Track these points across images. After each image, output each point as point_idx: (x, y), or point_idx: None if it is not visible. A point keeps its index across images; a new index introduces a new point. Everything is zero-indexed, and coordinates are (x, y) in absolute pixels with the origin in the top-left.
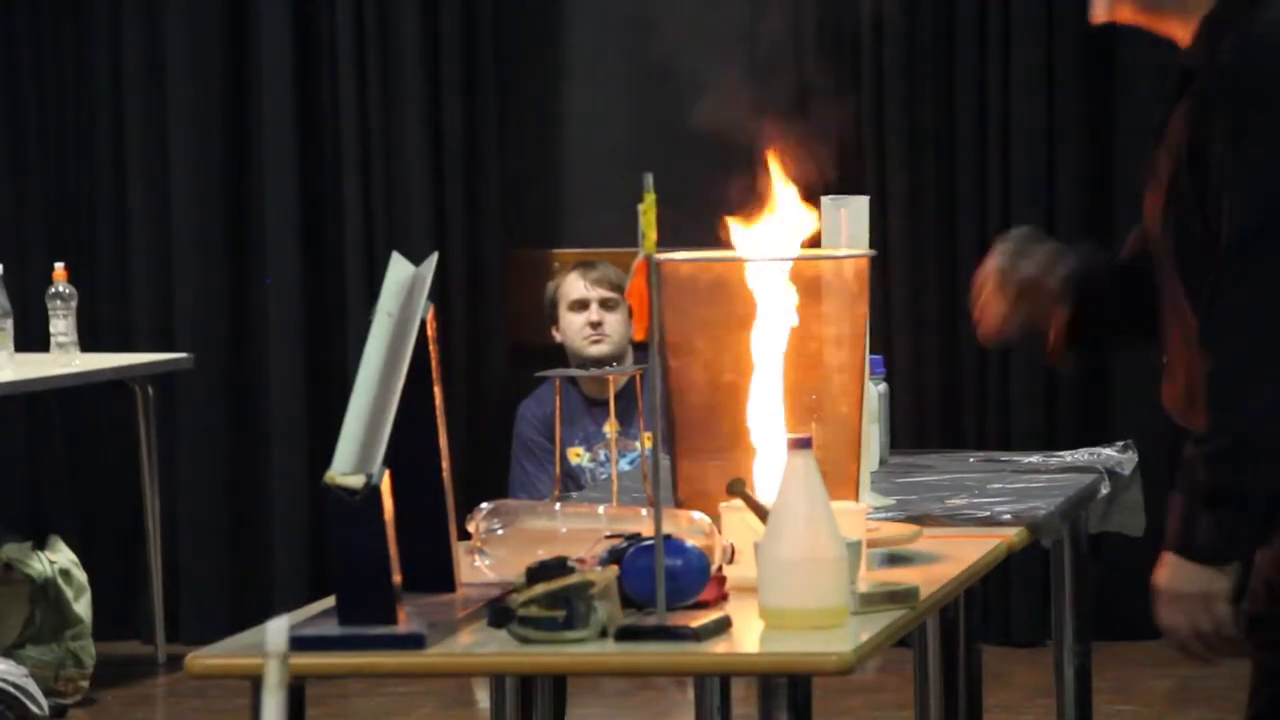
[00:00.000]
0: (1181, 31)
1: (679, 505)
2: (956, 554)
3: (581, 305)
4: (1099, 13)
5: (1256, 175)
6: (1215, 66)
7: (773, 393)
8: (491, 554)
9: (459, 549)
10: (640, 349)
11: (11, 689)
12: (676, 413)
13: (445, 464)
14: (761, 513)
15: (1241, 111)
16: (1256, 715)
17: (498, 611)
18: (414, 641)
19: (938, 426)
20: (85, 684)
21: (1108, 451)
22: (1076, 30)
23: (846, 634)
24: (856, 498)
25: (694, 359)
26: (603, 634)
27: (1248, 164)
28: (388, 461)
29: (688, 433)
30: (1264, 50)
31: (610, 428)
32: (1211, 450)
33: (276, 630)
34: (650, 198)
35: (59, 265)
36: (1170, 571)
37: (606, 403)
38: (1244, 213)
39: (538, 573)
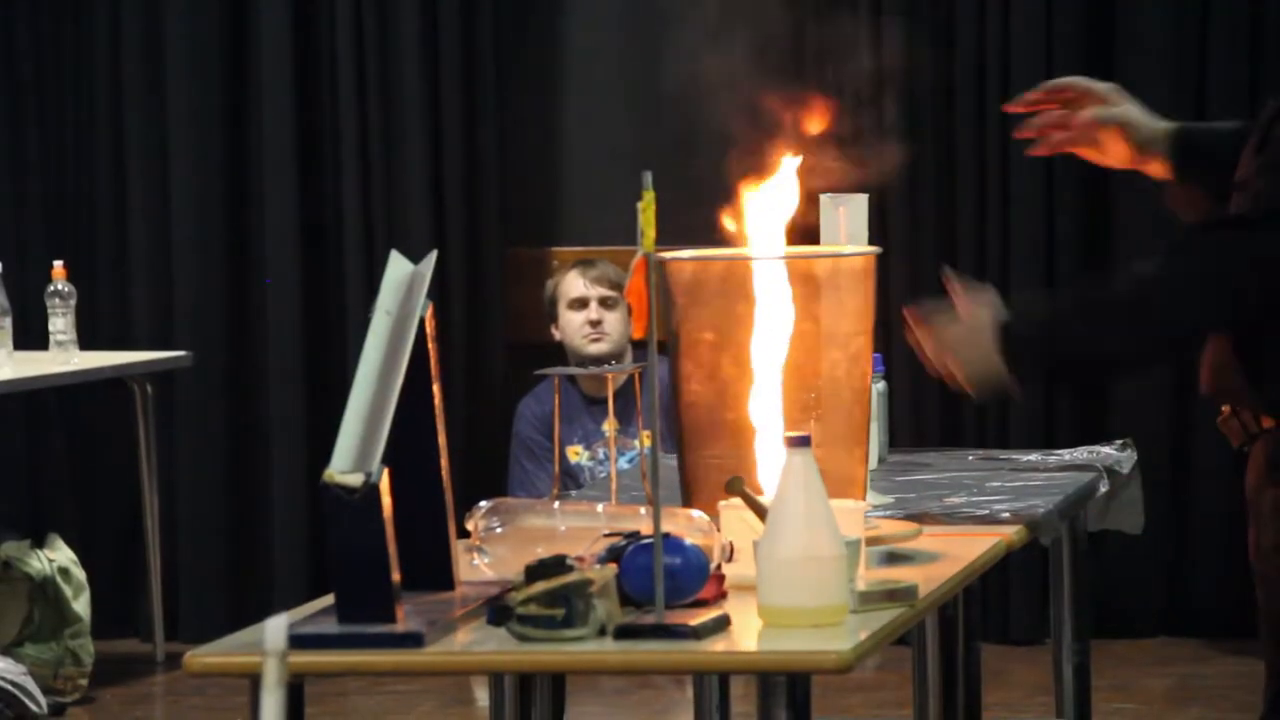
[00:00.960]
0: None
1: (686, 503)
2: (955, 552)
3: (581, 304)
4: None
5: None
6: None
7: (775, 391)
8: (490, 552)
9: (458, 547)
10: (640, 347)
11: (10, 687)
12: (682, 410)
13: (444, 462)
14: (760, 511)
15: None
16: (1269, 712)
17: (496, 610)
18: (413, 640)
19: (936, 425)
20: (84, 682)
21: (1106, 450)
22: (1075, 28)
23: (845, 632)
24: (858, 496)
25: (696, 357)
26: (601, 632)
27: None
28: (386, 460)
29: (693, 430)
30: None
31: (609, 426)
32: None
33: (275, 628)
34: (649, 196)
35: (58, 263)
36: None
37: (605, 401)
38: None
39: (536, 571)
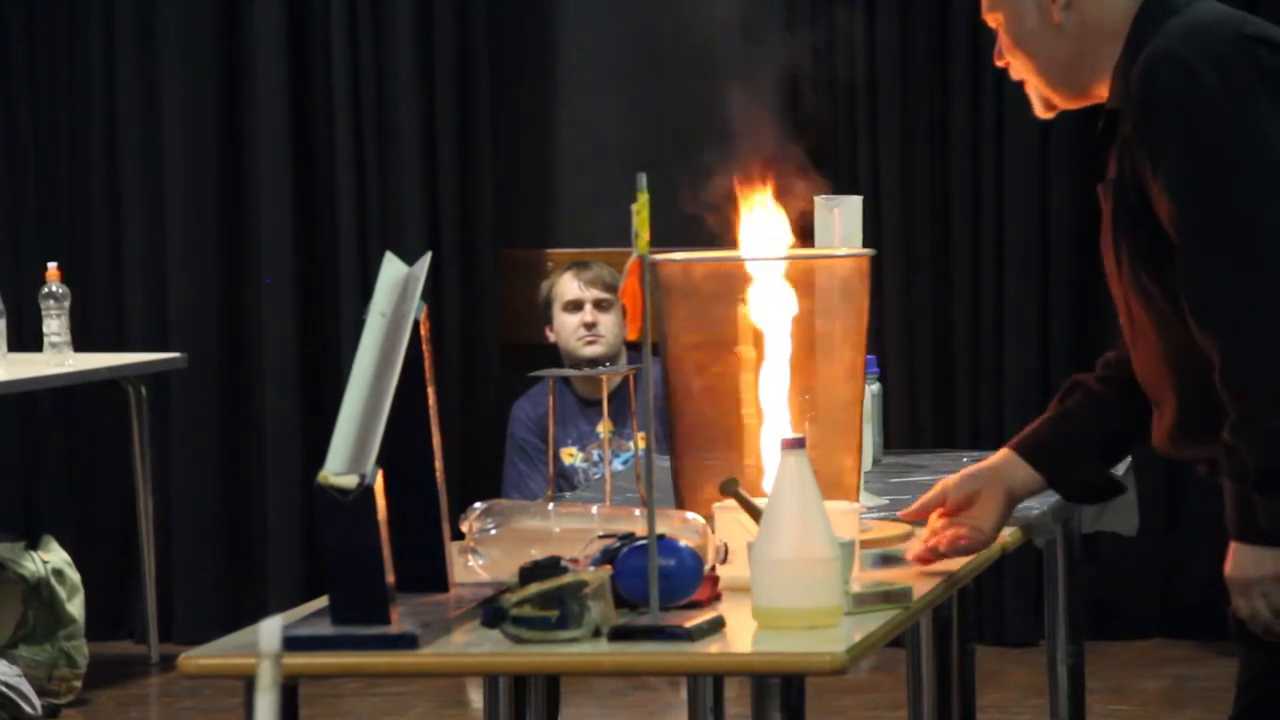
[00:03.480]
0: (1106, 91)
1: (680, 505)
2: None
3: (576, 306)
4: (1040, 113)
5: (1187, 181)
6: (1131, 101)
7: (770, 392)
8: (485, 554)
9: (452, 549)
10: (634, 349)
11: (5, 689)
12: (676, 412)
13: (438, 464)
14: (755, 512)
15: (1151, 136)
16: (1247, 709)
17: (491, 611)
18: (407, 641)
19: (931, 426)
20: (78, 684)
21: None
22: None
23: (840, 634)
24: (853, 498)
25: (691, 359)
26: (596, 634)
27: (1175, 176)
28: (381, 461)
29: (686, 432)
30: (1155, 69)
31: (604, 428)
32: (1256, 435)
33: (269, 630)
34: (643, 197)
35: (52, 265)
36: (1236, 559)
37: (600, 403)
38: (1192, 210)
39: (531, 572)
